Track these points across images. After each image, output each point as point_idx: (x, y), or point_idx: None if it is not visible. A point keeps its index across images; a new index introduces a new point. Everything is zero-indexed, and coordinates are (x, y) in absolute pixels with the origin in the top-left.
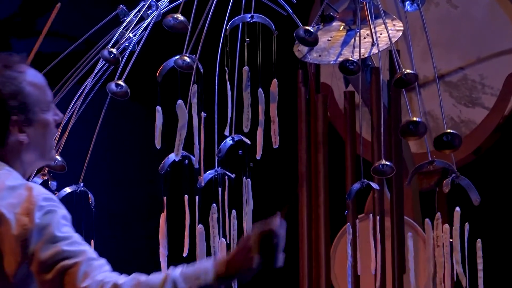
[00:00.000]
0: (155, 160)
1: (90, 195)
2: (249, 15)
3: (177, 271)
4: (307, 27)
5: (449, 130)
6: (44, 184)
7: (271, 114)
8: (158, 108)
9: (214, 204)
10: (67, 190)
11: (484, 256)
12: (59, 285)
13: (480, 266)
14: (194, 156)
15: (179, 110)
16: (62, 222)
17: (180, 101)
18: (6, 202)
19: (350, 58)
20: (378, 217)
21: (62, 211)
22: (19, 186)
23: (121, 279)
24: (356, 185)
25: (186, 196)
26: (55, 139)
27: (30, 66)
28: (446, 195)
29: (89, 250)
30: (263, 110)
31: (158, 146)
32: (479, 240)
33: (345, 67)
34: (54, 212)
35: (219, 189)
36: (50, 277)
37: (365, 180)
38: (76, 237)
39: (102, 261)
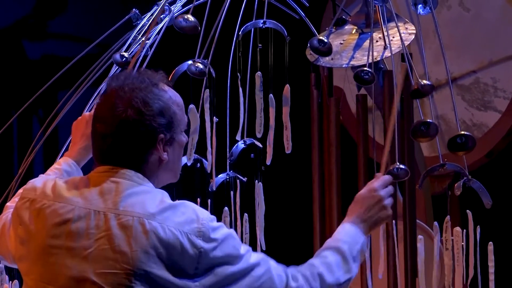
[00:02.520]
0: None
1: None
2: (262, 21)
3: (343, 246)
4: (320, 37)
5: (463, 132)
6: None
7: (283, 119)
8: None
9: (226, 207)
10: None
11: (495, 259)
12: None
13: (491, 270)
14: (206, 159)
15: (191, 115)
16: (238, 239)
17: (191, 106)
18: (174, 223)
19: (365, 68)
20: (393, 221)
21: (232, 230)
22: (178, 204)
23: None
24: None
25: (198, 200)
26: None
27: (170, 86)
28: (458, 198)
29: (270, 260)
30: (273, 115)
31: None
32: (490, 243)
33: (359, 76)
34: (229, 233)
35: (231, 192)
36: None
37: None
38: (250, 248)
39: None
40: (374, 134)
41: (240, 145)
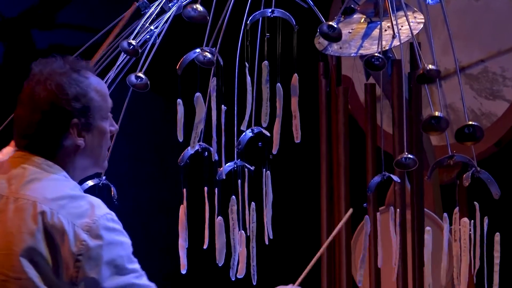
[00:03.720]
0: (175, 152)
1: (113, 188)
2: (270, 10)
3: None
4: (330, 23)
5: (471, 122)
6: None
7: (292, 108)
8: (179, 101)
9: (234, 196)
10: (90, 183)
11: (503, 250)
12: None
13: (497, 260)
14: (212, 148)
15: (197, 103)
16: (130, 253)
17: (198, 94)
18: (66, 212)
19: (376, 54)
20: (398, 210)
21: (128, 239)
22: (80, 197)
23: None
24: (377, 178)
25: (205, 188)
26: (108, 149)
27: (94, 73)
28: (467, 188)
29: (153, 285)
30: (281, 104)
31: (180, 139)
32: (497, 234)
33: (371, 62)
34: (122, 241)
35: (239, 181)
36: None
37: (386, 173)
38: (141, 270)
39: None
40: (382, 123)
41: (248, 133)
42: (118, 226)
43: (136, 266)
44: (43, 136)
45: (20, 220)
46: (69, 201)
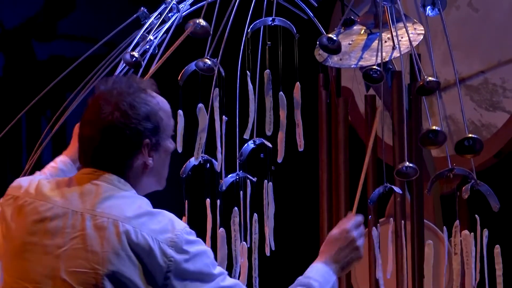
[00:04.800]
0: (177, 163)
1: None
2: (271, 19)
3: (314, 283)
4: (330, 35)
5: (470, 135)
6: None
7: (295, 117)
8: (180, 112)
9: (236, 207)
10: None
11: (504, 262)
12: None
13: (499, 272)
14: (215, 159)
15: (200, 114)
16: (213, 258)
17: (200, 105)
18: (148, 229)
19: (374, 67)
20: (402, 221)
21: (207, 247)
22: (157, 213)
23: None
24: (379, 189)
25: (207, 200)
26: None
27: (157, 92)
28: (466, 200)
29: (241, 284)
30: (285, 113)
31: (179, 150)
32: (497, 246)
33: (368, 75)
34: (204, 250)
35: (241, 192)
36: None
37: (388, 184)
38: (224, 270)
39: None
40: (382, 134)
41: (250, 144)
42: (196, 237)
43: (220, 269)
44: (115, 155)
45: (102, 239)
46: (148, 218)
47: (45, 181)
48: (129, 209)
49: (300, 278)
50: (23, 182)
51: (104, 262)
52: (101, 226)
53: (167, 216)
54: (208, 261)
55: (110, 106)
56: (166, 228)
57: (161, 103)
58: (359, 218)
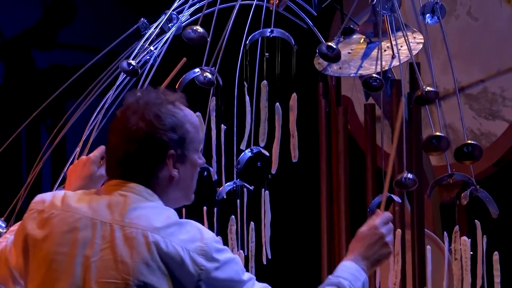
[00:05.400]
0: None
1: None
2: (269, 30)
3: (344, 282)
4: (329, 43)
5: (469, 141)
6: None
7: (290, 128)
8: None
9: (233, 216)
10: None
11: (502, 269)
12: None
13: (497, 279)
14: (212, 168)
15: None
16: (242, 264)
17: (198, 113)
18: (178, 239)
19: (374, 75)
20: (399, 230)
21: (236, 255)
22: (185, 222)
23: None
24: (378, 198)
25: (205, 208)
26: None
27: (186, 105)
28: (466, 207)
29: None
30: (280, 124)
31: None
32: (496, 253)
33: (368, 83)
34: (233, 257)
35: (238, 201)
36: None
37: (387, 193)
38: (252, 276)
39: None
40: (382, 143)
41: (247, 153)
42: (223, 245)
43: (249, 274)
44: (140, 166)
45: (131, 249)
46: (177, 227)
47: (71, 193)
48: (157, 220)
49: (330, 277)
50: (46, 196)
51: (134, 272)
52: (130, 237)
53: (195, 226)
54: (238, 268)
55: (136, 116)
56: (195, 237)
57: (189, 115)
58: (388, 214)
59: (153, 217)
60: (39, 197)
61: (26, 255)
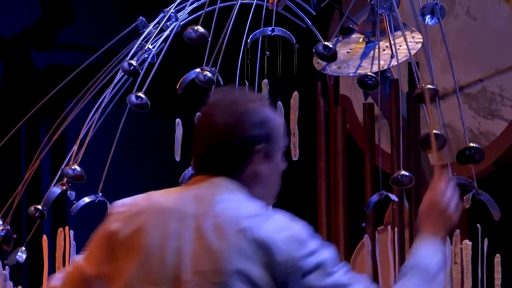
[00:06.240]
0: (174, 172)
1: (109, 205)
2: (270, 29)
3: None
4: (326, 43)
5: (472, 144)
6: (63, 194)
7: (291, 126)
8: (178, 120)
9: None
10: (86, 200)
11: (503, 271)
12: None
13: (498, 282)
14: None
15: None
16: (333, 255)
17: (199, 114)
18: (265, 227)
19: (369, 73)
20: (396, 229)
21: (327, 244)
22: (273, 213)
23: None
24: (375, 197)
25: None
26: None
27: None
28: (466, 210)
29: (364, 279)
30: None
31: (177, 158)
32: (498, 255)
33: (363, 82)
34: (322, 247)
35: None
36: None
37: (384, 192)
38: (345, 266)
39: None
40: (380, 142)
41: None
42: (311, 235)
43: (339, 262)
44: (227, 161)
45: (221, 238)
46: (265, 217)
47: (155, 192)
48: (245, 209)
49: (407, 259)
50: (126, 200)
51: (226, 261)
52: (219, 227)
53: (283, 215)
54: (327, 255)
55: (224, 112)
56: (285, 226)
57: (273, 115)
58: (447, 181)
59: (241, 207)
60: (118, 202)
61: (112, 256)
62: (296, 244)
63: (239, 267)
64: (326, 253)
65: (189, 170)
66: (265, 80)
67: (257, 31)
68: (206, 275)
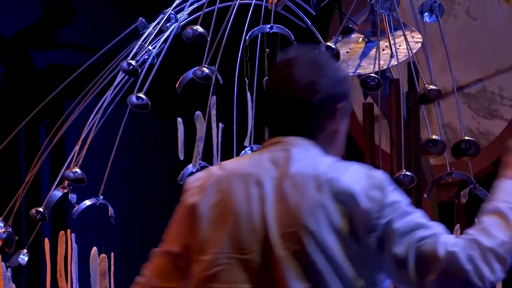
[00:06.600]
0: (174, 171)
1: (110, 208)
2: (269, 26)
3: (500, 204)
4: (328, 43)
5: (467, 138)
6: (64, 197)
7: None
8: (179, 119)
9: None
10: (87, 203)
11: None
12: (415, 253)
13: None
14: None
15: (198, 122)
16: (407, 199)
17: (198, 112)
18: (346, 178)
19: (372, 74)
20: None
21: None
22: (351, 164)
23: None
24: None
25: None
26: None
27: None
28: (465, 206)
29: (437, 224)
30: None
31: (181, 157)
32: None
33: (366, 82)
34: (398, 191)
35: None
36: (403, 247)
37: None
38: (421, 213)
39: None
40: (380, 142)
41: (247, 151)
42: (390, 182)
43: (417, 209)
44: (309, 120)
45: (303, 196)
46: (344, 168)
47: (226, 162)
48: (323, 164)
49: (486, 204)
50: (199, 174)
51: (310, 218)
52: (299, 185)
53: (360, 166)
54: (405, 199)
55: (303, 69)
56: (364, 176)
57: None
58: None
59: (317, 163)
60: (192, 178)
61: (196, 228)
62: (377, 192)
63: (323, 222)
64: (404, 197)
65: (188, 168)
66: (266, 78)
67: (255, 28)
68: (292, 236)
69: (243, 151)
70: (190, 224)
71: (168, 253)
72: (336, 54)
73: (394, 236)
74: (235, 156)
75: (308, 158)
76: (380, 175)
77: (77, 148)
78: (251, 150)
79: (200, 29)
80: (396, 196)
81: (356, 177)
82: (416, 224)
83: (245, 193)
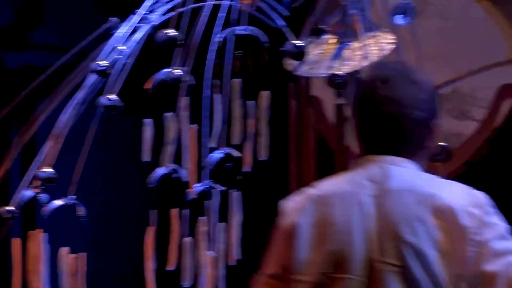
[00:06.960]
0: (146, 173)
1: (81, 208)
2: (241, 27)
3: None
4: (293, 41)
5: (440, 143)
6: (35, 197)
7: (260, 126)
8: (147, 121)
9: (203, 217)
10: (58, 202)
11: None
12: (506, 275)
13: None
14: (183, 169)
15: (170, 124)
16: (506, 225)
17: (168, 114)
18: (447, 193)
19: (337, 72)
20: None
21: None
22: (451, 182)
23: None
24: None
25: (174, 210)
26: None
27: None
28: None
29: None
30: (253, 122)
31: (146, 159)
32: None
33: (332, 81)
34: (499, 214)
35: (208, 201)
36: (495, 267)
37: None
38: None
39: None
40: (351, 143)
41: (217, 154)
42: (490, 203)
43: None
44: (414, 135)
45: (401, 210)
46: (444, 184)
47: (324, 181)
48: (422, 180)
49: None
50: (295, 198)
51: (409, 235)
52: (398, 200)
53: (461, 184)
54: (504, 223)
55: (401, 87)
56: (466, 193)
57: None
58: None
59: (417, 178)
60: (289, 200)
61: (294, 249)
62: (478, 210)
63: (424, 236)
64: (503, 222)
65: (158, 171)
66: (236, 79)
67: (227, 29)
68: (393, 251)
69: (210, 155)
70: (289, 244)
71: (272, 277)
72: (300, 52)
73: (489, 255)
74: (201, 158)
75: (406, 174)
76: (481, 195)
77: (48, 147)
78: (222, 152)
79: (171, 32)
80: (497, 219)
81: (457, 194)
82: (511, 250)
83: (345, 212)
